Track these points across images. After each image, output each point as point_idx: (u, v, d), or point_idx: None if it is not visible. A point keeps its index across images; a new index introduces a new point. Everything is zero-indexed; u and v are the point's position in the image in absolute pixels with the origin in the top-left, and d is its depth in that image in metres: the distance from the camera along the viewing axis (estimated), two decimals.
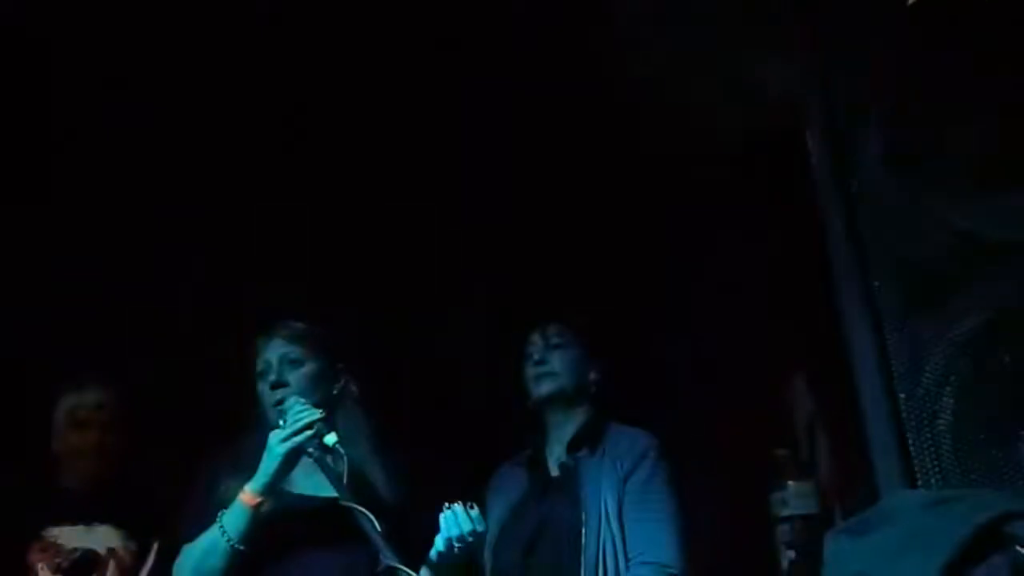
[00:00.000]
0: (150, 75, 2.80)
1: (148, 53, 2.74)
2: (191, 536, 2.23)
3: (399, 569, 1.84)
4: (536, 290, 3.23)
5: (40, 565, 2.75)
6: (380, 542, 1.92)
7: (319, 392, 2.33)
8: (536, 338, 2.68)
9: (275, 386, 2.31)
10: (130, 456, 2.91)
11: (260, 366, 2.36)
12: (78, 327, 3.09)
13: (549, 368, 2.62)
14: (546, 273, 3.27)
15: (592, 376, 2.67)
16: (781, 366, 3.19)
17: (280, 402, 2.28)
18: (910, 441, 2.00)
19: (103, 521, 2.83)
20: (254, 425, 2.31)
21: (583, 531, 2.40)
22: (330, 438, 2.16)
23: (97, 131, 2.92)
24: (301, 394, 2.28)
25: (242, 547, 2.17)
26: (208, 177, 3.05)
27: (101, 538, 2.82)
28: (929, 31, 2.01)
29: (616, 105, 2.86)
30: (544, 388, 2.61)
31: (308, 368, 2.35)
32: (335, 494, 2.19)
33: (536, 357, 2.64)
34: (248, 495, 2.17)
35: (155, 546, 2.85)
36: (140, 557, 2.83)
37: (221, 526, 2.17)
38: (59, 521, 2.80)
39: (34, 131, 2.89)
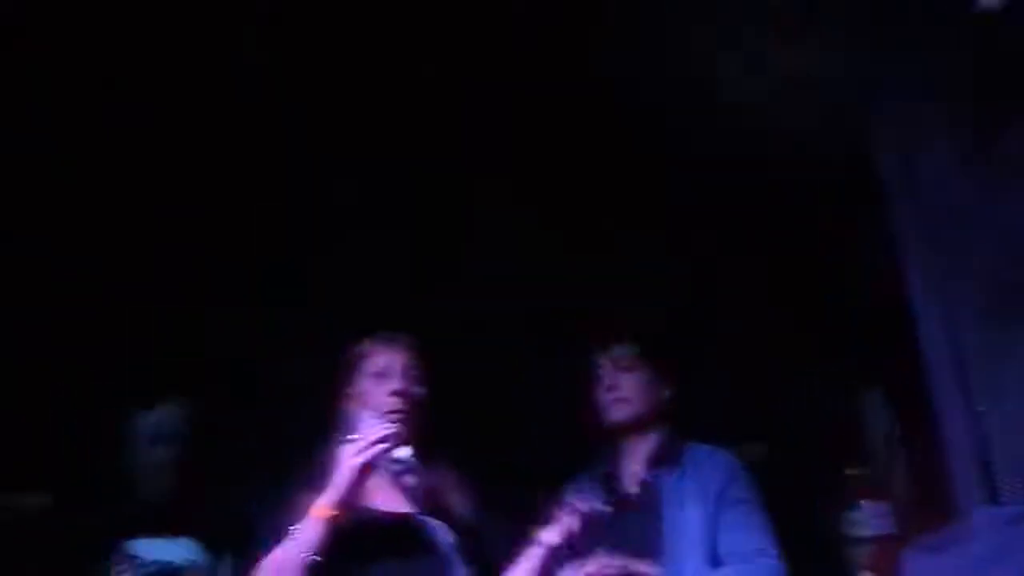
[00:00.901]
0: None
1: None
2: (267, 549, 2.27)
3: None
4: (600, 309, 3.24)
5: None
6: (453, 556, 1.93)
7: (423, 411, 2.35)
8: (605, 361, 2.66)
9: (398, 394, 2.31)
10: (207, 471, 2.98)
11: (380, 367, 2.37)
12: (157, 344, 3.17)
13: (621, 393, 2.61)
14: (611, 292, 3.28)
15: (665, 395, 2.66)
16: (855, 383, 3.15)
17: (393, 411, 2.30)
18: (992, 457, 1.95)
19: (181, 534, 2.91)
20: (333, 439, 2.35)
21: (665, 549, 2.40)
22: (403, 452, 2.19)
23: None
24: (418, 409, 2.31)
25: (316, 559, 2.19)
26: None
27: (179, 551, 2.89)
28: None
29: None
30: (618, 415, 2.61)
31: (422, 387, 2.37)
32: (408, 508, 2.21)
33: (608, 382, 2.62)
34: (321, 508, 2.20)
35: (230, 560, 2.92)
36: (216, 569, 2.90)
37: (295, 539, 2.20)
38: (138, 534, 2.88)
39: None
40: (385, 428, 2.21)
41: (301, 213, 3.10)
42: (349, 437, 2.21)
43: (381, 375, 2.38)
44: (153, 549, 2.87)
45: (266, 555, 2.26)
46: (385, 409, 2.31)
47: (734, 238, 3.20)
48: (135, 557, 2.85)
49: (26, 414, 3.19)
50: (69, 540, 2.93)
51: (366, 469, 2.19)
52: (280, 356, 3.10)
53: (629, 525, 2.49)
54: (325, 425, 2.38)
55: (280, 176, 3.03)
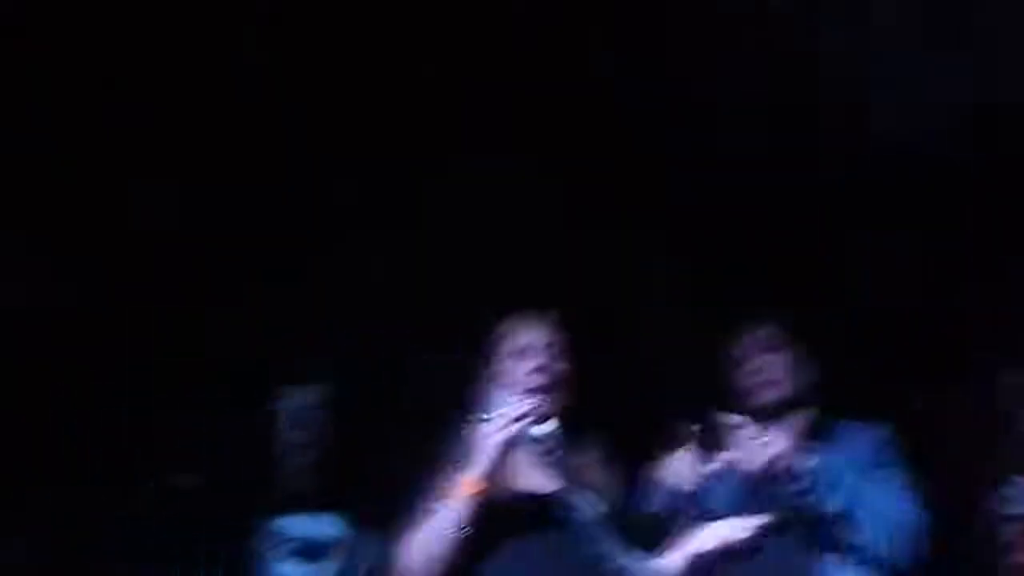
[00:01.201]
0: None
1: None
2: (415, 524, 2.32)
3: (618, 560, 1.84)
4: (741, 289, 3.19)
5: (272, 552, 2.95)
6: (599, 531, 1.93)
7: (541, 380, 2.36)
8: (748, 343, 2.62)
9: (538, 370, 2.32)
10: (348, 449, 3.07)
11: (520, 345, 2.38)
12: (296, 327, 3.27)
13: (767, 376, 2.56)
14: (753, 273, 3.22)
15: (811, 374, 2.61)
16: (1009, 356, 3.02)
17: (534, 390, 2.31)
18: None
19: (327, 510, 3.01)
20: (476, 417, 2.38)
21: (822, 525, 2.36)
22: (544, 428, 2.20)
23: None
24: (559, 387, 2.32)
25: (463, 533, 2.23)
26: None
27: (324, 527, 2.99)
28: None
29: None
30: (765, 398, 2.56)
31: (563, 362, 2.36)
32: (552, 485, 2.23)
33: (752, 366, 2.58)
34: (465, 486, 2.23)
35: (374, 531, 3.00)
36: (361, 541, 2.99)
37: (441, 516, 2.24)
38: (286, 511, 2.99)
39: None
40: (527, 405, 2.22)
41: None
42: (491, 415, 2.24)
43: (522, 353, 2.40)
44: (298, 526, 2.99)
45: (412, 532, 2.32)
46: (526, 387, 2.33)
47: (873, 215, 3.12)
48: (282, 534, 2.97)
49: (175, 400, 3.35)
50: (218, 519, 3.06)
51: (509, 446, 2.22)
52: (420, 335, 3.16)
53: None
54: (467, 404, 2.41)
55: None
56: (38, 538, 3.06)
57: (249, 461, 3.13)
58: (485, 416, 2.26)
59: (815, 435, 2.52)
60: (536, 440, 2.20)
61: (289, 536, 2.97)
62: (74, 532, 3.14)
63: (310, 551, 2.96)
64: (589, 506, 2.01)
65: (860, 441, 2.50)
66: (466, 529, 2.22)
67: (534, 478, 2.28)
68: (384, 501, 2.91)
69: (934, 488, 2.59)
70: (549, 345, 2.37)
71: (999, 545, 2.89)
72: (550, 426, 2.20)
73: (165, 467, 3.35)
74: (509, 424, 2.19)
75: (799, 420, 2.57)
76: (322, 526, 3.00)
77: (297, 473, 3.07)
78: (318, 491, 3.03)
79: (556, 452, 2.20)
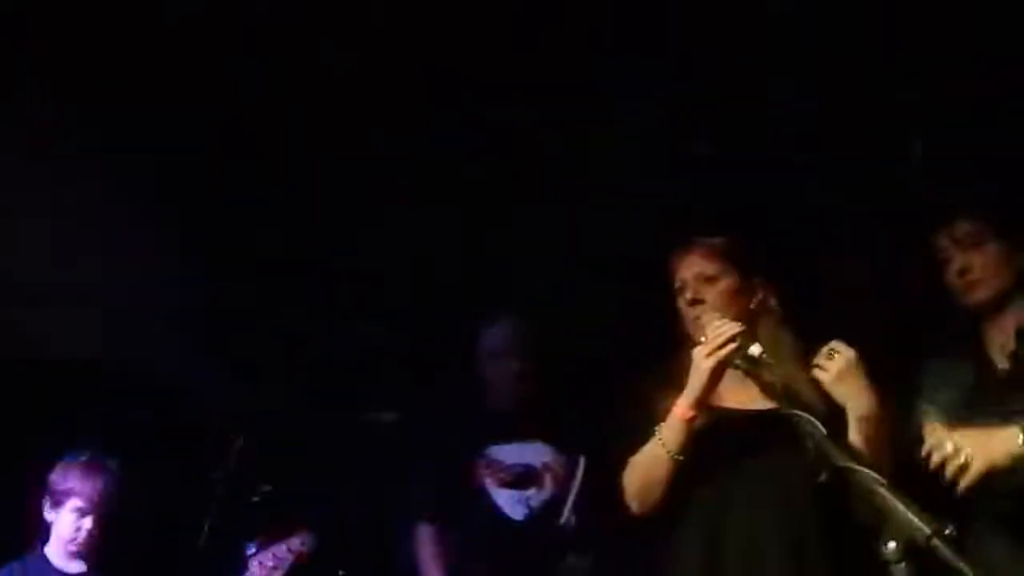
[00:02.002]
0: None
1: None
2: (630, 450, 2.35)
3: (854, 468, 1.81)
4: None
5: (488, 479, 3.06)
6: (827, 445, 1.90)
7: (736, 306, 2.34)
8: (946, 242, 2.48)
9: (692, 303, 2.35)
10: (549, 379, 3.12)
11: (677, 283, 2.40)
12: (493, 261, 3.33)
13: (976, 275, 2.43)
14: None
15: (1022, 262, 2.45)
16: None
17: (698, 318, 2.32)
18: None
19: (533, 439, 3.09)
20: (679, 342, 2.37)
21: None
22: (755, 349, 2.16)
23: None
24: (718, 310, 2.30)
25: (681, 458, 2.25)
26: None
27: (535, 454, 3.08)
28: None
29: None
30: (977, 296, 2.44)
31: (724, 284, 2.36)
32: (764, 405, 2.20)
33: (958, 266, 2.45)
34: (681, 409, 2.24)
35: (582, 460, 3.07)
36: (570, 469, 3.06)
37: (660, 439, 2.27)
38: (496, 440, 3.09)
39: None
40: (733, 327, 2.20)
41: None
42: (700, 339, 2.23)
43: (680, 291, 2.38)
44: (511, 453, 3.08)
45: (630, 457, 2.35)
46: (692, 319, 2.32)
47: None
48: (498, 461, 3.07)
49: (377, 339, 3.49)
50: (430, 450, 3.20)
51: (719, 369, 2.20)
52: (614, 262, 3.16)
53: (1007, 399, 2.33)
54: (672, 328, 2.41)
55: None
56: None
57: (455, 393, 3.24)
58: (696, 340, 2.26)
59: None
60: (747, 361, 2.17)
61: (504, 463, 3.07)
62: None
63: (523, 478, 3.05)
64: (811, 423, 1.97)
65: None
66: (682, 454, 2.24)
67: (748, 399, 2.27)
68: (589, 427, 3.00)
69: None
70: (706, 278, 2.34)
71: None
72: (758, 347, 2.16)
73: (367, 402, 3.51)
74: (718, 348, 2.18)
75: (1016, 309, 2.43)
76: (533, 452, 3.08)
77: (503, 402, 3.15)
78: (526, 419, 3.11)
79: (767, 371, 2.16)
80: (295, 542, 2.98)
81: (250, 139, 3.12)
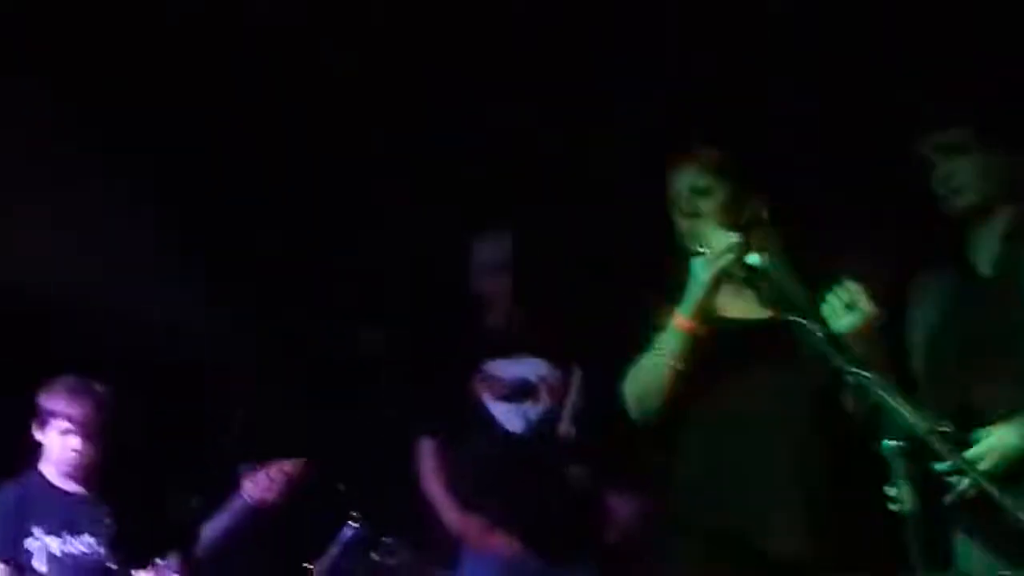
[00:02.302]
0: None
1: None
2: (629, 360, 2.40)
3: (853, 371, 1.87)
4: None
5: (485, 394, 3.12)
6: (827, 348, 1.96)
7: (731, 217, 2.37)
8: (931, 149, 2.47)
9: (686, 213, 2.39)
10: (544, 293, 3.16)
11: (671, 195, 2.44)
12: (483, 182, 3.34)
13: (957, 182, 2.43)
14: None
15: (1006, 171, 2.46)
16: None
17: (692, 230, 2.35)
18: None
19: (529, 353, 3.14)
20: (678, 254, 2.41)
21: None
22: (753, 258, 2.19)
23: None
24: (712, 221, 2.33)
25: (680, 367, 2.30)
26: None
27: (531, 368, 3.13)
28: None
29: None
30: (960, 202, 2.44)
31: (718, 195, 2.39)
32: (762, 314, 2.25)
33: (941, 173, 2.45)
34: (680, 319, 2.28)
35: (576, 373, 3.13)
36: (566, 382, 3.12)
37: (659, 349, 2.32)
38: (492, 355, 3.14)
39: None
40: (731, 238, 2.24)
41: None
42: (700, 249, 2.26)
43: (674, 203, 2.41)
44: (507, 368, 3.13)
45: (629, 366, 2.41)
46: (683, 231, 2.36)
47: None
48: (494, 376, 3.12)
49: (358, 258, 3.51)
50: (425, 365, 3.24)
51: (718, 279, 2.25)
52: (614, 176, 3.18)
53: (989, 306, 2.39)
54: (670, 240, 2.45)
55: None
56: None
57: (456, 308, 3.28)
58: (690, 253, 2.30)
59: (1016, 234, 2.41)
60: (747, 270, 2.21)
61: (502, 378, 3.12)
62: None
63: (520, 392, 3.11)
64: (809, 327, 2.02)
65: None
66: (681, 364, 2.30)
67: (748, 309, 2.32)
68: (583, 341, 3.05)
69: None
70: (699, 190, 2.37)
71: None
72: (758, 256, 2.20)
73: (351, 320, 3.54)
74: (718, 258, 2.22)
75: (1002, 216, 2.47)
76: (529, 368, 3.13)
77: (497, 318, 3.19)
78: (521, 335, 3.15)
79: (767, 281, 2.20)
80: (288, 464, 3.03)
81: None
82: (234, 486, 2.95)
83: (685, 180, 2.41)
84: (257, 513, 2.94)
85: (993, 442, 2.20)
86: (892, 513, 1.80)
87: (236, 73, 3.04)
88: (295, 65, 3.07)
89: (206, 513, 2.91)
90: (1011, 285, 2.39)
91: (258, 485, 2.93)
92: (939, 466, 2.22)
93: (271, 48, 3.00)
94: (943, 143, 2.48)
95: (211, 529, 2.89)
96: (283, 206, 3.41)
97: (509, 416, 3.10)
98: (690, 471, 2.35)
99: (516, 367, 3.13)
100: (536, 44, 3.01)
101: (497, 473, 3.06)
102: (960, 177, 2.45)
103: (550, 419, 3.09)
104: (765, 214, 2.41)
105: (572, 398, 3.11)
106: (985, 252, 2.48)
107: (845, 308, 2.20)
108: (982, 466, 2.11)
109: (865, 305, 2.21)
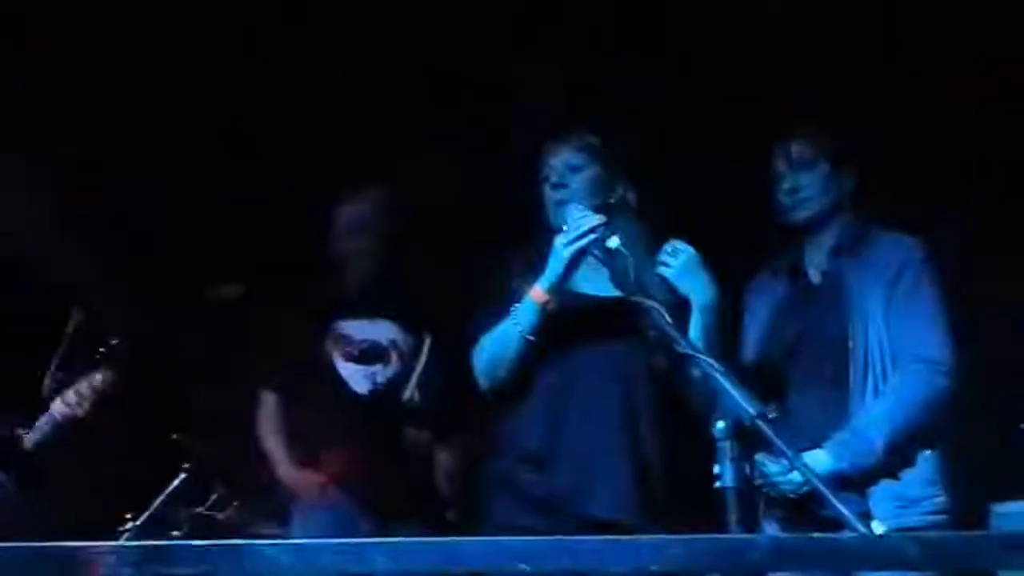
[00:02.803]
0: None
1: None
2: (485, 328, 2.46)
3: (694, 354, 1.97)
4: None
5: (335, 353, 3.11)
6: (672, 332, 2.06)
7: (597, 198, 2.45)
8: (780, 160, 2.62)
9: (555, 186, 2.46)
10: (403, 257, 3.17)
11: (544, 170, 2.50)
12: (352, 134, 3.32)
13: (801, 194, 2.58)
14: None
15: (846, 185, 2.64)
16: None
17: (561, 203, 2.42)
18: None
19: (383, 316, 3.14)
20: (541, 228, 2.48)
21: (850, 335, 2.47)
22: (612, 241, 2.28)
23: None
24: (580, 198, 2.41)
25: (532, 338, 2.37)
26: None
27: (383, 331, 3.14)
28: None
29: None
30: (800, 215, 2.60)
31: (588, 173, 2.47)
32: (616, 294, 2.35)
33: (786, 185, 2.59)
34: (537, 292, 2.35)
35: (427, 339, 3.15)
36: (416, 347, 3.15)
37: (515, 319, 2.38)
38: (346, 316, 3.13)
39: None
40: (594, 218, 2.32)
41: None
42: (563, 227, 2.33)
43: (546, 179, 2.49)
44: (360, 330, 3.13)
45: (481, 335, 2.46)
46: (554, 202, 2.43)
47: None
48: (346, 336, 3.11)
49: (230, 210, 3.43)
50: (280, 323, 3.20)
51: (577, 257, 2.33)
52: (481, 145, 3.21)
53: (814, 314, 2.57)
54: (530, 214, 2.51)
55: None
56: None
57: (311, 268, 3.24)
58: (555, 227, 2.37)
59: (848, 244, 2.58)
60: (604, 251, 2.29)
61: (353, 338, 3.12)
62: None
63: (370, 354, 3.12)
64: (655, 310, 2.12)
65: (890, 251, 2.53)
66: (534, 335, 2.37)
67: (602, 287, 2.40)
68: (438, 306, 3.08)
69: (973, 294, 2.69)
70: (571, 167, 2.45)
71: None
72: (616, 239, 2.29)
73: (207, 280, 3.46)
74: (579, 236, 2.30)
75: (834, 229, 2.62)
76: (381, 330, 3.14)
77: (356, 279, 3.18)
78: (376, 296, 3.15)
79: (624, 263, 2.29)
80: (97, 378, 2.89)
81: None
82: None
83: (561, 156, 2.48)
84: (69, 430, 2.85)
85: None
86: (715, 491, 1.91)
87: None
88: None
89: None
90: (835, 296, 2.56)
91: (64, 399, 2.84)
92: (772, 468, 2.40)
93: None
94: (793, 155, 2.64)
95: (27, 442, 2.80)
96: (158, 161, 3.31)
97: (356, 377, 3.10)
98: (530, 436, 2.42)
99: (369, 329, 3.14)
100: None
101: (335, 432, 3.05)
102: (804, 191, 2.62)
103: (397, 383, 3.11)
104: (631, 198, 2.51)
105: (421, 363, 3.14)
106: (815, 262, 2.66)
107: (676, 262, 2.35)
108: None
109: (684, 247, 2.36)
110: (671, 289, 2.39)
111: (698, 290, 2.36)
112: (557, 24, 3.22)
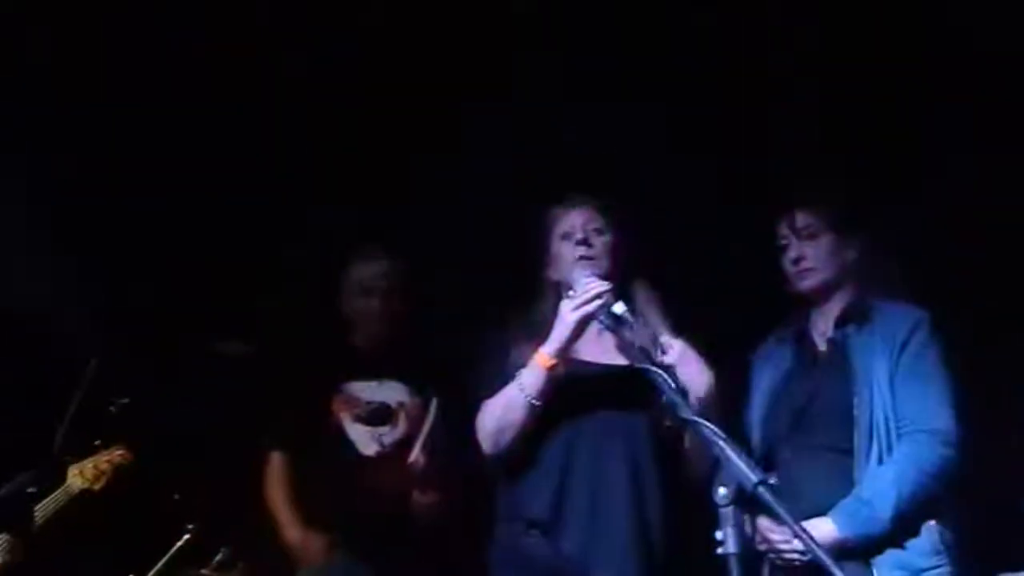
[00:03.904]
0: None
1: None
2: (487, 393, 2.48)
3: (698, 422, 1.99)
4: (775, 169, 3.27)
5: (343, 414, 3.12)
6: (677, 399, 2.08)
7: (613, 262, 2.50)
8: (785, 230, 2.67)
9: (580, 243, 2.50)
10: (413, 320, 3.20)
11: (564, 229, 2.54)
12: (366, 198, 3.37)
13: (807, 264, 2.63)
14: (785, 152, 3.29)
15: (851, 255, 2.68)
16: None
17: (580, 259, 2.47)
18: None
19: (391, 378, 3.16)
20: (544, 293, 2.52)
21: (855, 403, 2.49)
22: (618, 307, 2.32)
23: None
24: (598, 260, 2.47)
25: (538, 403, 2.39)
26: None
27: (391, 392, 3.15)
28: None
29: None
30: (805, 284, 2.64)
31: (608, 237, 2.53)
32: (621, 361, 2.37)
33: (792, 255, 2.64)
34: (543, 357, 2.38)
35: (435, 400, 3.17)
36: (424, 409, 3.16)
37: (520, 384, 2.40)
38: (355, 377, 3.14)
39: None
40: (602, 284, 2.35)
41: None
42: (571, 292, 2.37)
43: (567, 236, 2.53)
44: (368, 391, 3.15)
45: (487, 399, 2.48)
46: (574, 269, 2.47)
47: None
48: (354, 397, 3.13)
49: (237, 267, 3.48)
50: (288, 383, 3.23)
51: (584, 322, 2.36)
52: (487, 209, 3.26)
53: (820, 382, 2.59)
54: (534, 281, 2.55)
55: None
56: None
57: (320, 328, 3.28)
58: (566, 293, 2.40)
59: (853, 313, 2.61)
60: (611, 317, 2.32)
61: (358, 400, 3.14)
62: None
63: (377, 415, 3.13)
64: (661, 377, 2.15)
65: (896, 321, 2.56)
66: (539, 400, 2.39)
67: (608, 354, 2.43)
68: (446, 369, 3.11)
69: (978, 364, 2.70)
70: (587, 226, 2.51)
71: None
72: (623, 305, 2.32)
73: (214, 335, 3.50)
74: (586, 302, 2.33)
75: (839, 299, 2.66)
76: (389, 391, 3.15)
77: (364, 340, 3.21)
78: (384, 358, 3.18)
79: (629, 329, 2.32)
80: (117, 454, 2.92)
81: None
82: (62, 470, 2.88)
83: (583, 216, 2.54)
84: (84, 504, 2.86)
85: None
86: (718, 556, 1.92)
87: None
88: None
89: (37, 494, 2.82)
90: (840, 364, 2.58)
91: (83, 474, 2.86)
92: (776, 535, 2.40)
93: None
94: (798, 226, 2.69)
95: (40, 512, 2.81)
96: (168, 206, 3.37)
97: (364, 438, 3.11)
98: (537, 502, 2.43)
99: (377, 390, 3.15)
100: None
101: (341, 495, 3.06)
102: (809, 261, 2.66)
103: (404, 445, 3.11)
104: (641, 267, 2.56)
105: (428, 426, 3.15)
106: (821, 330, 2.69)
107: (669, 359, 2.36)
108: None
109: (674, 342, 2.38)
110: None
111: (693, 381, 2.37)
112: (556, 84, 3.28)
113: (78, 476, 2.86)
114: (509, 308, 2.59)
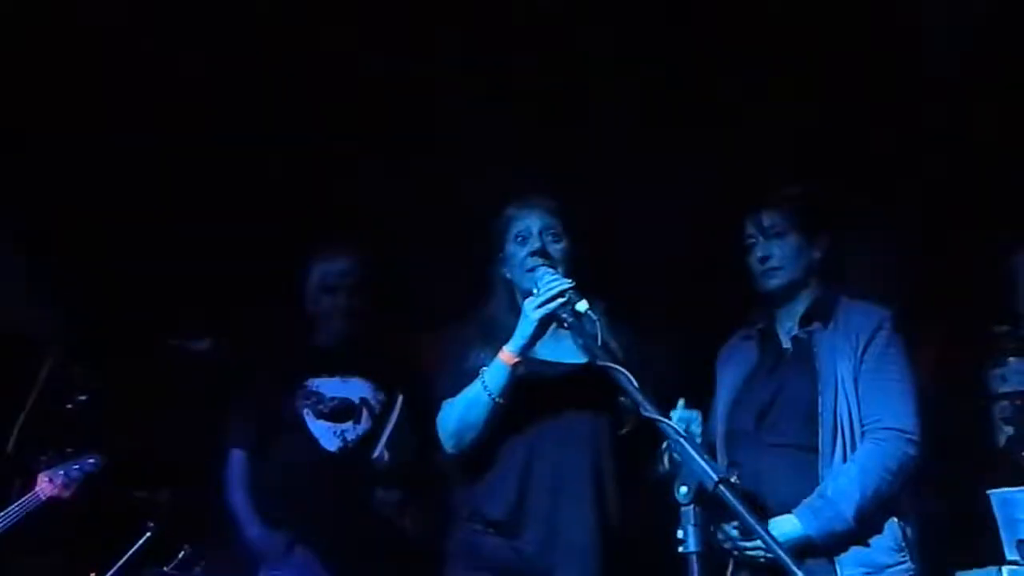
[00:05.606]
0: None
1: None
2: (449, 392, 2.46)
3: (659, 420, 1.98)
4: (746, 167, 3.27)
5: (306, 410, 3.09)
6: (639, 396, 2.06)
7: (572, 264, 2.49)
8: (752, 229, 2.67)
9: (536, 253, 2.48)
10: (375, 317, 3.18)
11: (518, 231, 2.52)
12: (331, 196, 3.34)
13: (773, 263, 2.63)
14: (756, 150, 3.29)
15: (816, 255, 2.68)
16: (1008, 237, 3.13)
17: (533, 269, 2.45)
18: None
19: (354, 374, 3.14)
20: (495, 291, 2.50)
21: (819, 401, 2.49)
22: (581, 305, 2.29)
23: None
24: (560, 265, 2.45)
25: (501, 400, 2.38)
26: None
27: (354, 389, 3.13)
28: None
29: None
30: (772, 283, 2.64)
31: (565, 240, 2.52)
32: (581, 359, 2.36)
33: (759, 254, 2.64)
34: (507, 355, 2.36)
35: (400, 397, 3.15)
36: (387, 406, 3.14)
37: (483, 382, 2.38)
38: (318, 373, 3.12)
39: None
40: (563, 283, 2.34)
41: None
42: (534, 291, 2.35)
43: (521, 238, 2.52)
44: (331, 387, 3.12)
45: (450, 397, 2.46)
46: (527, 268, 2.46)
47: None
48: (317, 393, 3.11)
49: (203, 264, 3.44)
50: (251, 379, 3.20)
51: (547, 320, 2.34)
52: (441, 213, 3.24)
53: (784, 379, 2.59)
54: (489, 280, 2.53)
55: None
56: None
57: (283, 325, 3.24)
58: (525, 291, 2.39)
59: (818, 312, 2.61)
60: (573, 315, 2.30)
61: (324, 396, 3.11)
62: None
63: (340, 412, 3.10)
64: (624, 375, 2.13)
65: (859, 320, 2.57)
66: (503, 398, 2.37)
67: (570, 352, 2.42)
68: (409, 366, 3.08)
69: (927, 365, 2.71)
70: (548, 229, 2.49)
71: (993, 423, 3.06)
72: (585, 303, 2.30)
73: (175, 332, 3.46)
74: (549, 300, 2.31)
75: (804, 297, 2.66)
76: (352, 388, 3.13)
77: (328, 337, 3.18)
78: (348, 355, 3.15)
79: (591, 327, 2.30)
80: (88, 462, 2.92)
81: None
82: (30, 477, 2.84)
83: (537, 220, 2.52)
84: (50, 510, 2.83)
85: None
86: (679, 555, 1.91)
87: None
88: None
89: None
90: (805, 361, 2.58)
91: (54, 482, 2.83)
92: (733, 531, 2.40)
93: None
94: (765, 225, 2.69)
95: (2, 520, 2.77)
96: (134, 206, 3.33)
97: (326, 435, 3.08)
98: (498, 499, 2.42)
99: (340, 386, 3.13)
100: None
101: (303, 491, 3.02)
102: (776, 259, 2.66)
103: (367, 441, 3.09)
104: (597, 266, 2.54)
105: (392, 422, 3.13)
106: (786, 328, 2.69)
107: None
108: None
109: None
110: (639, 352, 2.41)
111: None
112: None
113: (47, 483, 2.83)
114: (468, 306, 2.57)
